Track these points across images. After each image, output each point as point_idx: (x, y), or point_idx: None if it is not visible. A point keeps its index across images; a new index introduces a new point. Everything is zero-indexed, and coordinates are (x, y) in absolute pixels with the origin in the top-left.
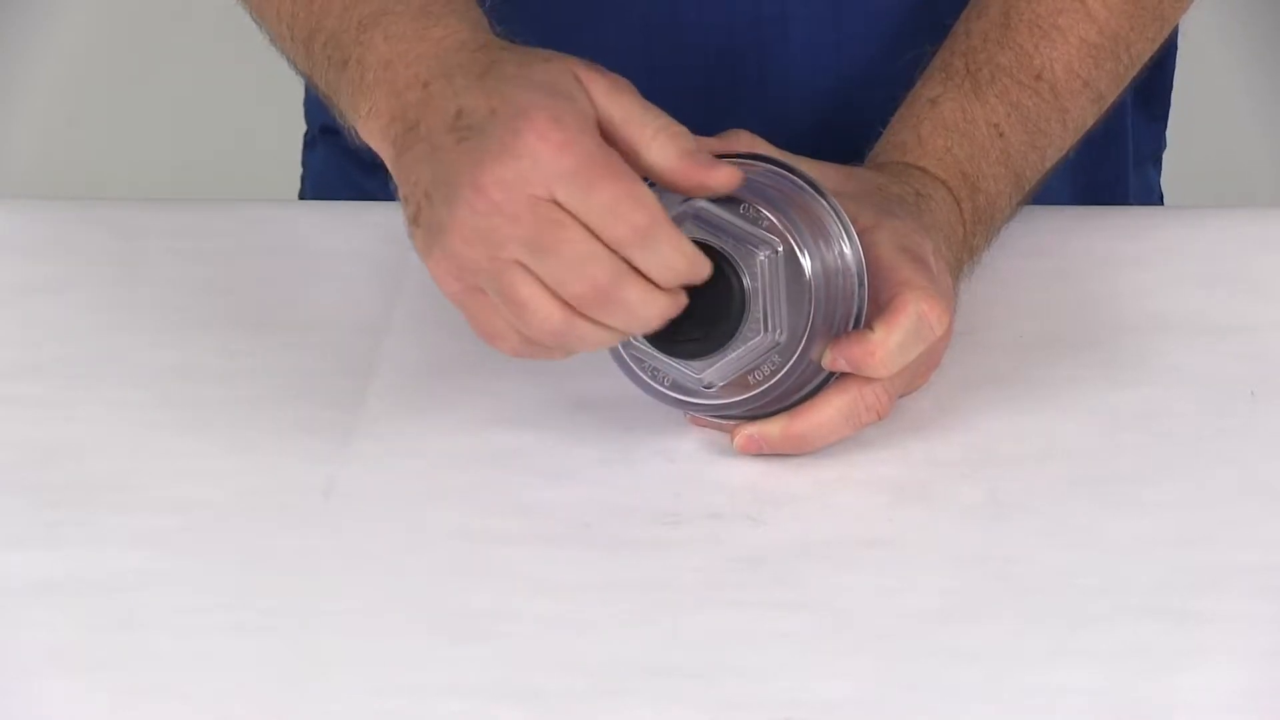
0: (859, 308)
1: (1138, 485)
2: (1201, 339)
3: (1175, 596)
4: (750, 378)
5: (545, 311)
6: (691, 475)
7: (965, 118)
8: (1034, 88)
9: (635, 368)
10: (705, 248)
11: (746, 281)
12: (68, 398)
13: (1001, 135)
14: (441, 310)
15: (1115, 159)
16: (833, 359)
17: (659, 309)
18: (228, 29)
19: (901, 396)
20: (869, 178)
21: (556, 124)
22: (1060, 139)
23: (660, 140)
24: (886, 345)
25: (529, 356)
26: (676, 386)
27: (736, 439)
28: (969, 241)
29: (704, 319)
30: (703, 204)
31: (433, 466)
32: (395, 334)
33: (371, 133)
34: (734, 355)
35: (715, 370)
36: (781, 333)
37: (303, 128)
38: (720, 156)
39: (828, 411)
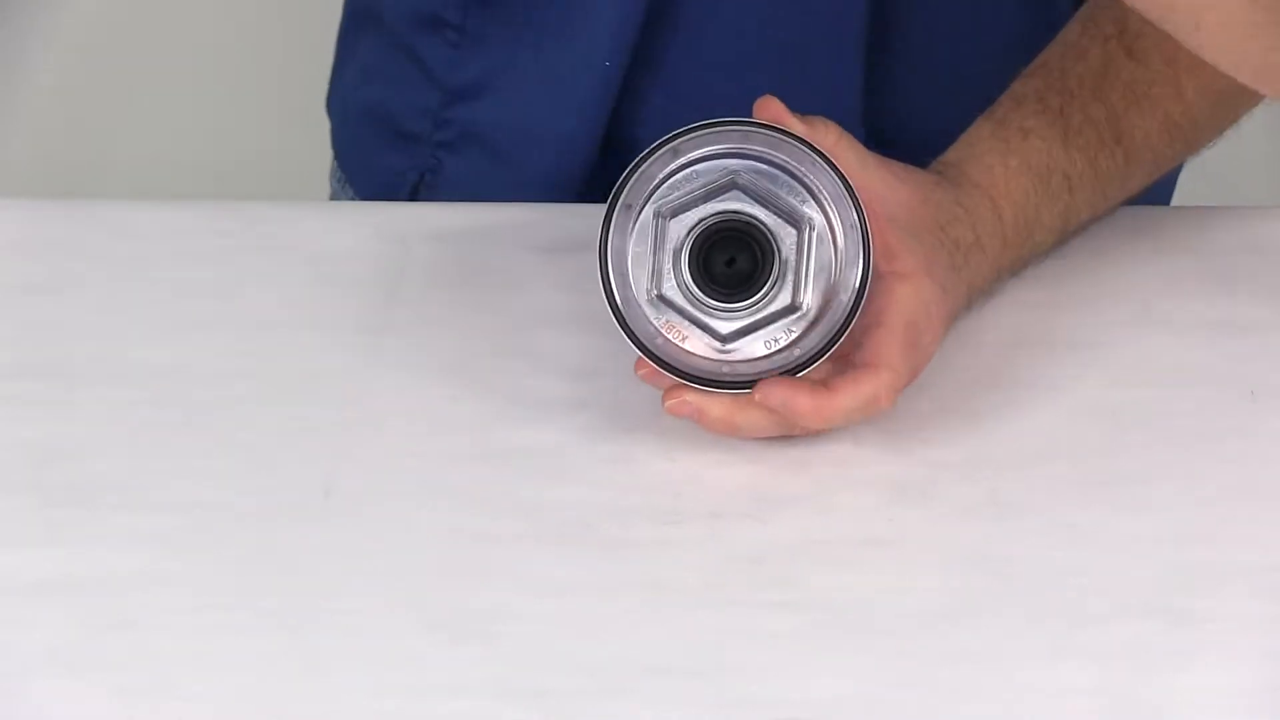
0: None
1: (1138, 485)
2: (1201, 339)
3: (1175, 596)
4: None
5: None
6: (691, 475)
7: (1049, 164)
8: (1112, 150)
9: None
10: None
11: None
12: (68, 398)
13: (1070, 191)
14: (441, 310)
15: None
16: (764, 395)
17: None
18: (229, 29)
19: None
20: (937, 211)
21: None
22: (1114, 201)
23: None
24: (834, 408)
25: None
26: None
27: (669, 401)
28: (997, 284)
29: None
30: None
31: (433, 466)
32: (395, 334)
33: None
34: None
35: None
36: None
37: (304, 127)
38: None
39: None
